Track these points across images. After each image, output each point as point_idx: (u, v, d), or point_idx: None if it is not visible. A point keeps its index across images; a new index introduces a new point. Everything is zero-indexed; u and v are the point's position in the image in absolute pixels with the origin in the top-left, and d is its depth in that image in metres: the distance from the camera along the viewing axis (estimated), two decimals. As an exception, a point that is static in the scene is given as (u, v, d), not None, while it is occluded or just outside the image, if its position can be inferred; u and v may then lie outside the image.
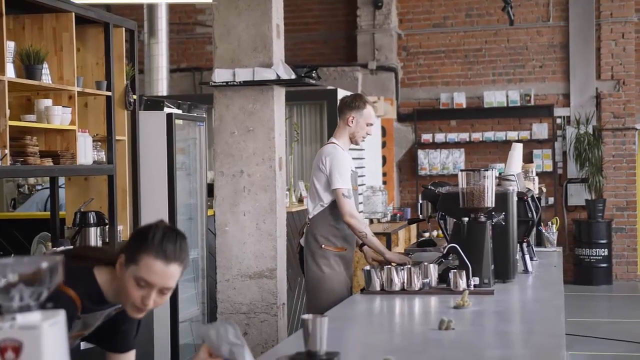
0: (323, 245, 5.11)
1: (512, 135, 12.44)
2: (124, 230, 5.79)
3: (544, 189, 9.99)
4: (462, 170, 4.42)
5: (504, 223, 4.48)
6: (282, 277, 5.84)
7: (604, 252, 12.10)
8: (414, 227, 11.33)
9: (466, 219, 4.37)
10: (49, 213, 5.77)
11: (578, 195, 12.42)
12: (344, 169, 5.04)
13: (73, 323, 2.59)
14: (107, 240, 5.55)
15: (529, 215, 4.99)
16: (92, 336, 2.80)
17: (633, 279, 12.44)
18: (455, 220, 4.49)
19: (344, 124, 5.23)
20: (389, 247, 8.74)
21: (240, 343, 2.61)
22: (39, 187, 8.85)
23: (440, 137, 12.75)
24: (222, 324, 2.59)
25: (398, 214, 10.92)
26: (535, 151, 12.48)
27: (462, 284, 4.15)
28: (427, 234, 12.20)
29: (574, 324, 9.08)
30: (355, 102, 5.23)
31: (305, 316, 2.73)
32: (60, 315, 1.80)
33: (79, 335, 2.72)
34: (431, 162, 12.78)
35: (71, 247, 5.00)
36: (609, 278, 12.19)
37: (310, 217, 5.19)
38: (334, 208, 5.09)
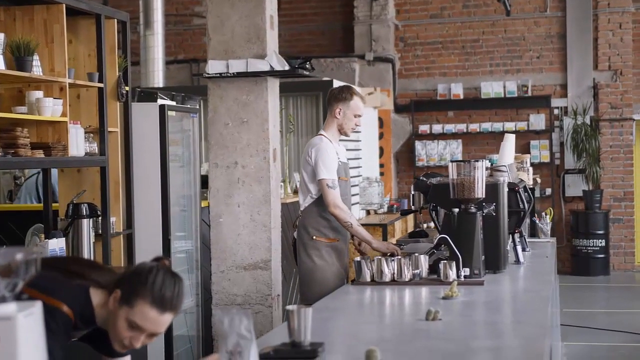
0: (314, 237, 5.13)
1: (510, 126, 12.43)
2: (116, 222, 5.79)
3: (539, 180, 9.97)
4: (452, 161, 4.43)
5: (494, 214, 4.49)
6: (277, 268, 5.85)
7: (601, 242, 12.11)
8: (411, 218, 11.34)
9: (456, 209, 4.38)
10: (42, 205, 5.77)
11: (575, 186, 12.42)
12: (328, 160, 5.06)
13: (64, 339, 2.58)
14: (100, 232, 5.56)
15: (521, 206, 4.99)
16: (86, 338, 2.79)
17: (630, 269, 12.45)
18: (445, 211, 4.50)
19: (332, 115, 5.25)
20: (384, 239, 8.75)
21: (250, 337, 2.61)
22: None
23: (437, 128, 12.74)
24: (238, 314, 2.60)
25: (395, 205, 10.92)
26: (532, 142, 12.47)
27: (452, 274, 4.16)
28: (425, 225, 12.23)
29: (570, 314, 9.09)
30: (342, 93, 5.24)
31: (290, 307, 2.74)
32: (36, 307, 1.81)
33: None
34: (428, 153, 12.77)
35: (65, 256, 4.94)
36: (607, 269, 12.20)
37: (302, 209, 5.21)
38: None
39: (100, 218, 5.53)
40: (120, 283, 2.58)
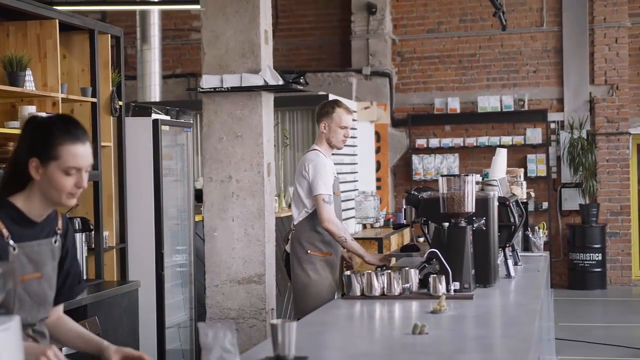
0: (309, 251, 5.17)
1: (506, 140, 12.45)
2: (109, 237, 5.80)
3: (532, 194, 9.99)
4: (442, 176, 4.44)
5: (484, 228, 4.49)
6: (271, 282, 5.85)
7: (598, 256, 12.11)
8: (407, 232, 11.34)
9: (446, 224, 4.38)
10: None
11: (572, 200, 12.43)
12: (326, 176, 5.11)
13: (9, 251, 2.59)
14: (92, 246, 5.57)
15: (511, 220, 5.00)
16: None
17: (627, 283, 12.44)
18: (436, 225, 4.51)
19: (320, 131, 5.34)
20: (380, 252, 8.76)
21: (233, 352, 2.62)
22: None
23: (434, 142, 12.76)
24: (223, 327, 2.62)
25: (392, 219, 10.92)
26: (529, 156, 12.49)
27: (442, 288, 4.16)
28: (421, 239, 12.21)
29: (567, 328, 9.08)
30: (324, 108, 5.34)
31: (274, 321, 2.75)
32: (14, 321, 1.82)
33: (35, 276, 2.68)
34: (425, 167, 12.79)
35: None
36: (603, 283, 12.19)
37: (295, 223, 5.26)
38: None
39: (93, 232, 5.54)
40: (29, 151, 2.62)
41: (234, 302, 5.64)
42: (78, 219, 5.43)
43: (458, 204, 4.36)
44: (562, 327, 8.88)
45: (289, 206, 8.22)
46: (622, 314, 10.62)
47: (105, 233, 5.70)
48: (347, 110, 5.36)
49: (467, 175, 4.41)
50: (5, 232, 2.60)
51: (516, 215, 5.02)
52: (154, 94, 10.25)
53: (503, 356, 2.94)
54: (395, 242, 10.04)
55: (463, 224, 4.39)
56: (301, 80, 6.19)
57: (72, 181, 2.63)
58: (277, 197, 7.67)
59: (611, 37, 12.42)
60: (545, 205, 12.39)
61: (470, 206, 4.38)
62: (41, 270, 2.69)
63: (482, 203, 4.53)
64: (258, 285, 5.69)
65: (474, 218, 4.45)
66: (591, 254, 12.09)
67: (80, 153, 2.63)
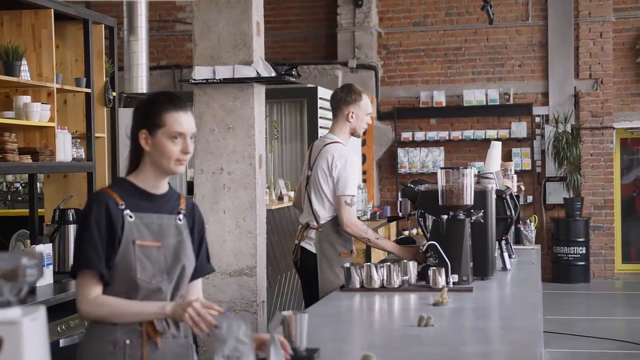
0: (341, 253, 4.94)
1: (492, 133, 12.50)
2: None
3: (523, 187, 10.04)
4: (441, 168, 4.44)
5: (482, 221, 4.50)
6: (262, 275, 5.84)
7: (581, 250, 12.19)
8: (393, 225, 11.37)
9: (445, 216, 4.39)
10: (27, 210, 5.73)
11: (556, 194, 12.50)
12: (354, 175, 4.85)
13: (125, 219, 2.77)
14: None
15: (508, 213, 5.02)
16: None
17: (610, 276, 12.54)
18: (434, 217, 4.51)
19: (344, 120, 5.03)
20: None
21: (248, 343, 2.61)
22: (17, 185, 8.80)
23: (420, 135, 12.79)
24: (237, 319, 2.62)
25: (378, 212, 10.94)
26: (514, 150, 12.55)
27: (442, 281, 4.17)
28: (406, 232, 12.25)
29: (551, 321, 9.14)
30: (352, 95, 5.01)
31: (286, 313, 2.74)
32: (41, 311, 1.81)
33: (154, 244, 2.84)
34: (411, 160, 12.82)
35: None
36: (587, 276, 12.28)
37: (321, 222, 4.94)
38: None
39: (86, 224, 5.50)
40: (138, 126, 2.85)
41: (225, 294, 5.63)
42: (72, 211, 5.39)
43: (457, 197, 4.37)
44: (547, 320, 8.93)
45: (279, 198, 8.21)
46: (606, 307, 10.72)
47: (99, 224, 5.65)
48: (368, 95, 5.16)
49: (466, 168, 4.41)
50: (119, 201, 2.79)
51: (512, 208, 5.04)
52: (141, 85, 10.19)
53: (511, 348, 2.95)
54: (382, 234, 10.06)
55: (462, 216, 4.40)
56: (293, 72, 6.18)
57: (178, 147, 2.82)
58: (267, 190, 7.65)
59: (596, 31, 12.49)
60: (530, 199, 12.45)
61: (469, 199, 4.38)
62: (161, 241, 2.85)
63: (481, 196, 4.54)
64: (249, 277, 5.68)
65: (472, 211, 4.45)
66: (575, 248, 12.17)
67: (184, 120, 2.83)
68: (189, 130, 2.84)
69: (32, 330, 1.76)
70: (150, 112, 2.83)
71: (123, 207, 2.80)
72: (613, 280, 12.47)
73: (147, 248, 2.82)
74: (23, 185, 9.24)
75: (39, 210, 5.69)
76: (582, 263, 12.22)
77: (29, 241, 5.41)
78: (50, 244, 5.20)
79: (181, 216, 2.93)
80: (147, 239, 2.83)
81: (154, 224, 2.86)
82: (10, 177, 8.73)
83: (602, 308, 10.66)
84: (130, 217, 2.80)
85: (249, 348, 2.61)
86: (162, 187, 2.92)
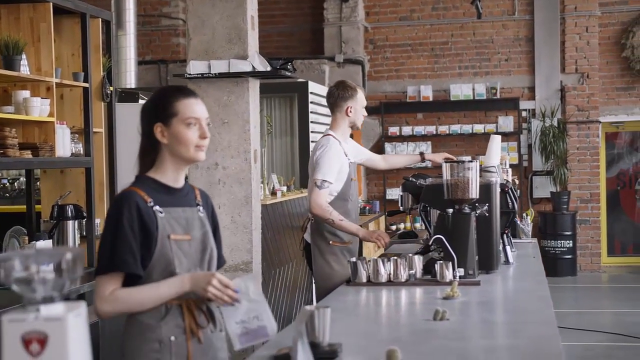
0: (331, 242, 5.08)
1: (479, 128, 12.53)
2: (101, 224, 5.72)
3: (517, 181, 10.08)
4: (447, 162, 4.43)
5: (487, 214, 4.50)
6: (257, 270, 5.83)
7: (568, 243, 12.25)
8: (382, 219, 11.37)
9: (451, 210, 4.38)
10: (24, 207, 5.68)
11: (543, 188, 12.56)
12: (330, 161, 4.99)
13: (156, 215, 2.76)
14: (84, 233, 5.49)
15: (510, 206, 5.02)
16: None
17: (597, 270, 12.61)
18: (439, 211, 4.51)
19: (343, 115, 5.21)
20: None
21: (261, 300, 2.62)
22: (4, 181, 8.72)
23: (407, 130, 12.79)
24: (244, 280, 2.63)
25: (367, 207, 10.94)
26: (501, 144, 12.54)
27: (449, 275, 4.17)
28: (394, 227, 12.26)
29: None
30: (348, 91, 5.21)
31: (309, 307, 2.72)
32: (82, 307, 1.78)
33: (185, 238, 2.82)
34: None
35: None
36: (574, 269, 12.35)
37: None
38: (338, 203, 5.05)
39: (85, 220, 5.46)
40: (151, 120, 2.83)
41: (222, 290, 5.60)
42: (71, 206, 5.34)
43: (462, 190, 4.37)
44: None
45: (272, 193, 8.19)
46: (594, 300, 10.78)
47: (97, 220, 5.62)
48: (362, 89, 5.35)
49: (471, 161, 4.41)
50: (148, 198, 2.78)
51: (514, 201, 5.05)
52: (130, 80, 10.11)
53: (532, 341, 2.94)
54: (372, 228, 10.06)
55: (467, 210, 4.40)
56: (289, 67, 6.17)
57: (195, 133, 2.81)
58: (260, 185, 7.62)
59: (582, 26, 12.54)
60: (517, 192, 12.48)
61: (474, 192, 4.38)
62: (190, 234, 2.84)
63: (485, 189, 4.54)
64: (245, 273, 5.67)
65: (477, 204, 4.45)
66: (562, 241, 12.23)
67: (196, 106, 2.83)
68: (202, 114, 2.84)
69: (76, 326, 1.75)
70: (162, 104, 2.83)
71: (152, 204, 2.79)
72: (599, 274, 12.55)
73: (180, 242, 2.81)
74: (10, 181, 9.16)
75: (36, 206, 5.64)
76: (570, 256, 12.29)
77: (26, 238, 5.37)
78: (50, 240, 5.16)
79: (201, 208, 2.93)
80: (179, 233, 2.82)
81: (181, 218, 2.85)
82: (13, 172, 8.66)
83: (590, 301, 10.72)
84: (161, 212, 2.79)
85: (263, 304, 2.62)
86: (180, 180, 2.91)
